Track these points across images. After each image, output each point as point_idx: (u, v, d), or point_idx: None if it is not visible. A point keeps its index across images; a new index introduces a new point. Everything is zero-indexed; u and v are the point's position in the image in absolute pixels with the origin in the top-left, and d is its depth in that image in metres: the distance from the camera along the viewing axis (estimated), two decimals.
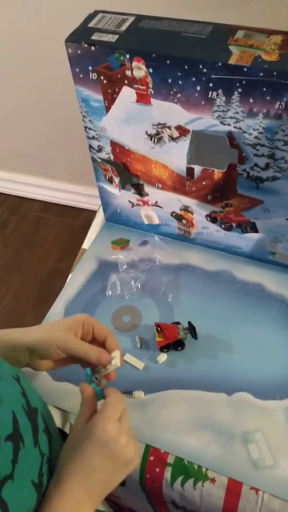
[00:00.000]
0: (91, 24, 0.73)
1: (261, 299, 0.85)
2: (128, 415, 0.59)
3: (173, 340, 0.79)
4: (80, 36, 0.71)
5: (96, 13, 0.76)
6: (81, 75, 0.75)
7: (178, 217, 0.89)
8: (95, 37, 0.71)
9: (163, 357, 0.79)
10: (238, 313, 0.84)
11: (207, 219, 0.86)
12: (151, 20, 0.73)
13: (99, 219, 1.00)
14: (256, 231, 0.84)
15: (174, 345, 0.80)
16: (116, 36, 0.71)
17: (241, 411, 0.72)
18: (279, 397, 0.73)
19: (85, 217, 1.93)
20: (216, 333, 0.81)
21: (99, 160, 0.87)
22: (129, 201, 0.91)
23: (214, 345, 0.80)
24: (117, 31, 0.71)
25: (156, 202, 0.88)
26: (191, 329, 0.80)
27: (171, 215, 0.90)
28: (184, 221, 0.89)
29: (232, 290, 0.87)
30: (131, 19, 0.74)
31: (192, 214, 0.87)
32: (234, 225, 0.85)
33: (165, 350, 0.80)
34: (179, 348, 0.80)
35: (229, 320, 0.83)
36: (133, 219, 0.95)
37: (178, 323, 0.81)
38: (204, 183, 0.81)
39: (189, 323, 0.81)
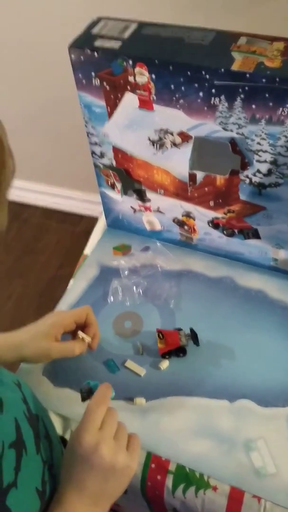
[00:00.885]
0: (94, 31, 0.74)
1: (263, 306, 0.85)
2: (117, 416, 0.58)
3: (175, 346, 0.79)
4: (83, 42, 0.72)
5: (99, 19, 0.76)
6: (84, 81, 0.75)
7: (180, 223, 0.89)
8: (98, 43, 0.71)
9: (164, 363, 0.79)
10: (240, 320, 0.83)
11: (209, 225, 0.86)
12: (153, 27, 0.73)
13: (101, 224, 1.00)
14: (258, 237, 0.84)
15: (176, 351, 0.79)
16: (119, 43, 0.71)
17: (243, 418, 0.72)
18: (281, 404, 0.72)
19: (86, 223, 1.93)
20: (218, 340, 0.81)
21: (101, 166, 0.87)
22: (131, 207, 0.91)
23: (216, 352, 0.80)
24: (120, 38, 0.72)
25: (158, 208, 0.88)
26: (193, 336, 0.80)
27: (173, 221, 0.89)
28: (186, 227, 0.89)
29: (234, 297, 0.86)
30: (134, 25, 0.74)
31: (194, 220, 0.87)
32: (236, 231, 0.85)
33: (166, 357, 0.79)
34: (181, 354, 0.79)
35: (231, 327, 0.82)
36: (135, 225, 0.95)
37: (180, 329, 0.81)
38: (206, 189, 0.80)
39: (191, 329, 0.80)
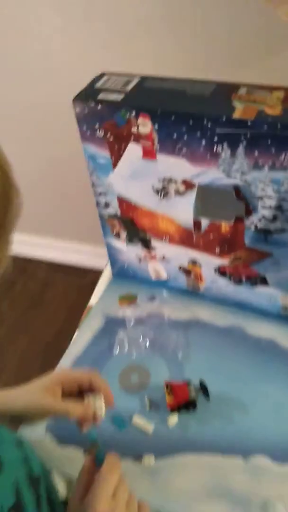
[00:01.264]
0: (98, 85, 0.75)
1: (274, 356, 0.82)
2: (128, 484, 0.56)
3: (184, 400, 0.76)
4: (87, 95, 0.73)
5: (102, 75, 0.78)
6: (88, 133, 0.76)
7: (186, 271, 0.88)
8: (101, 96, 0.73)
9: (173, 418, 0.75)
10: (251, 371, 0.80)
11: (215, 273, 0.85)
12: (155, 80, 0.75)
13: (106, 275, 0.99)
14: (266, 284, 0.82)
15: (185, 405, 0.76)
16: (122, 95, 0.72)
17: (259, 476, 0.67)
18: None
19: (93, 276, 1.91)
20: (229, 393, 0.78)
21: (106, 216, 0.87)
22: (137, 256, 0.90)
23: (227, 405, 0.76)
24: (122, 90, 0.73)
25: (164, 256, 0.87)
26: (203, 389, 0.76)
27: (179, 269, 0.88)
28: (192, 275, 0.88)
29: (244, 347, 0.84)
30: (136, 79, 0.76)
31: (200, 267, 0.85)
32: (243, 278, 0.83)
33: (176, 411, 0.76)
34: (191, 409, 0.76)
35: (242, 379, 0.79)
36: (140, 274, 0.94)
37: (189, 382, 0.78)
38: (211, 236, 0.80)
39: (201, 382, 0.77)
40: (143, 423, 0.75)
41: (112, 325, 0.89)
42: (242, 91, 0.70)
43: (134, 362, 0.84)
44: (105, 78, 0.77)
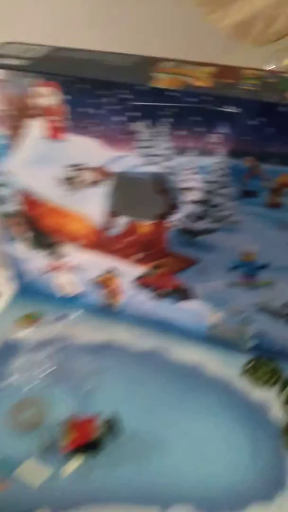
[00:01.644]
0: None
1: (200, 384, 0.69)
2: None
3: (88, 439, 0.61)
4: None
5: (6, 43, 0.66)
6: None
7: (101, 284, 0.74)
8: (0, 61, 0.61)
9: (74, 462, 0.60)
10: (173, 402, 0.67)
11: (135, 285, 0.72)
12: (69, 50, 0.64)
13: (5, 292, 0.83)
14: (192, 298, 0.70)
15: (89, 446, 0.61)
16: (26, 62, 0.60)
17: None
18: (228, 508, 0.54)
19: None
20: (145, 428, 0.63)
21: (3, 215, 0.72)
22: (42, 266, 0.76)
23: (142, 444, 0.62)
24: (28, 57, 0.61)
25: (74, 265, 0.74)
26: (113, 424, 0.62)
27: (93, 282, 0.75)
28: (108, 289, 0.74)
29: (165, 374, 0.70)
30: (47, 48, 0.64)
31: (117, 279, 0.73)
32: (166, 291, 0.71)
33: (78, 453, 0.60)
34: (97, 449, 0.61)
35: (162, 411, 0.66)
36: (46, 289, 0.79)
37: (95, 417, 0.63)
38: (129, 239, 0.68)
39: (111, 415, 0.62)
40: (35, 469, 0.59)
41: (6, 351, 0.73)
42: (169, 64, 0.61)
43: (30, 394, 0.68)
44: (9, 46, 0.65)
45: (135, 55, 0.62)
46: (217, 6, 0.98)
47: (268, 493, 0.58)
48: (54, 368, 0.70)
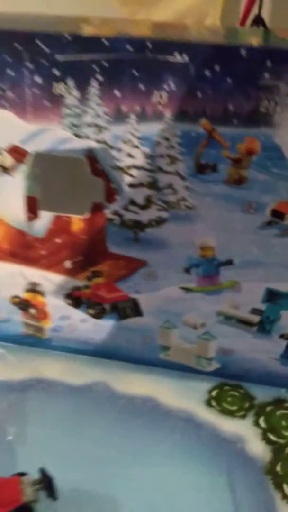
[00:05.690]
0: None
1: (156, 420, 0.55)
2: None
3: (14, 506, 0.44)
4: None
5: None
6: None
7: (23, 304, 0.59)
8: None
9: None
10: (123, 447, 0.52)
11: (66, 302, 0.58)
12: None
13: None
14: (139, 313, 0.57)
15: None
16: None
17: None
18: None
19: None
20: (88, 485, 0.48)
21: None
22: None
23: (86, 507, 0.46)
24: None
25: None
26: (46, 483, 0.46)
27: (13, 302, 0.59)
28: (32, 311, 0.59)
29: (111, 411, 0.55)
30: None
31: (44, 296, 0.58)
32: (107, 307, 0.57)
33: None
34: None
35: (108, 461, 0.50)
36: None
37: (23, 474, 0.47)
38: (58, 240, 0.54)
39: (43, 471, 0.46)
40: None
41: None
42: (95, 20, 0.50)
43: None
44: None
45: (49, 15, 0.51)
46: (140, 7, 0.91)
47: None
48: None
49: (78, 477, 0.48)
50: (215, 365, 0.59)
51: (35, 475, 0.46)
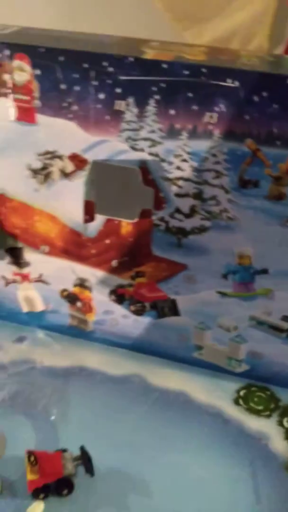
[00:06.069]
0: None
1: (187, 413, 0.59)
2: None
3: (55, 478, 0.49)
4: None
5: None
6: None
7: (71, 298, 0.64)
8: None
9: (37, 507, 0.48)
10: (155, 434, 0.56)
11: (110, 298, 0.63)
12: (42, 30, 0.57)
13: None
14: (176, 313, 0.61)
15: (56, 486, 0.49)
16: None
17: None
18: None
19: None
20: (122, 465, 0.52)
21: None
22: (2, 277, 0.66)
23: (120, 484, 0.51)
24: None
25: (41, 275, 0.64)
26: (85, 460, 0.51)
27: (62, 296, 0.65)
28: (79, 304, 0.64)
29: (145, 402, 0.60)
30: (18, 27, 0.57)
31: (91, 291, 0.63)
32: (147, 305, 0.62)
33: (41, 496, 0.49)
34: (65, 491, 0.49)
35: (142, 445, 0.55)
36: (7, 306, 0.68)
37: (64, 450, 0.52)
38: (107, 241, 0.59)
39: (82, 449, 0.51)
40: None
41: None
42: (154, 43, 0.54)
43: None
44: None
45: (113, 36, 0.56)
46: (191, 23, 0.95)
47: None
48: (13, 394, 0.59)
49: (113, 457, 0.53)
50: (244, 367, 0.62)
51: (75, 452, 0.51)
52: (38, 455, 0.50)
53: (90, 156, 0.54)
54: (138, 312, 0.62)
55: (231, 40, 0.98)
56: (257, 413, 0.59)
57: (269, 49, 0.99)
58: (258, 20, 0.98)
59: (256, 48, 0.97)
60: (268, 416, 0.59)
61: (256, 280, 0.56)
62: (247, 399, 0.61)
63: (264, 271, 0.55)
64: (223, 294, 0.58)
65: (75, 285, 0.63)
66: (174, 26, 0.97)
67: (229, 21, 0.96)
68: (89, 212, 0.56)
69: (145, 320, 0.63)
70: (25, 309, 0.67)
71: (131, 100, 0.50)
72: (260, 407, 0.60)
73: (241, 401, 0.60)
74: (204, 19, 0.96)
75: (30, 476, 0.49)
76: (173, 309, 0.61)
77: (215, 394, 0.61)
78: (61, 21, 0.79)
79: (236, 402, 0.60)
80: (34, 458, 0.50)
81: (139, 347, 0.65)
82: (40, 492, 0.49)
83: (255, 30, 0.97)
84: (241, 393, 0.61)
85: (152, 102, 0.50)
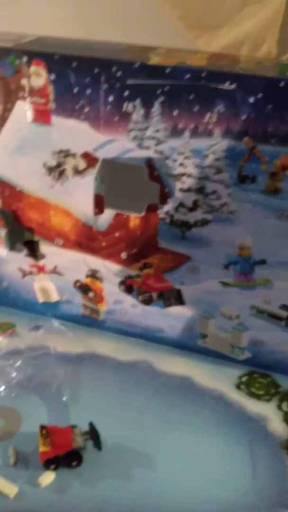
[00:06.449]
0: None
1: (191, 396, 0.62)
2: None
3: (65, 450, 0.53)
4: None
5: None
6: None
7: (84, 288, 0.69)
8: None
9: (48, 476, 0.52)
10: (161, 414, 0.60)
11: (120, 289, 0.67)
12: (57, 39, 0.62)
13: None
14: (182, 302, 0.65)
15: (66, 458, 0.53)
16: (13, 44, 0.58)
17: None
18: None
19: None
20: (129, 441, 0.56)
21: None
22: (19, 269, 0.70)
23: (125, 458, 0.54)
24: (15, 40, 0.59)
25: (55, 267, 0.68)
26: (93, 435, 0.55)
27: (75, 286, 0.69)
28: (91, 294, 0.69)
29: (152, 385, 0.64)
30: (34, 36, 0.62)
31: (102, 282, 0.67)
32: (154, 295, 0.65)
33: (52, 467, 0.53)
34: (74, 463, 0.53)
35: (148, 424, 0.58)
36: (24, 297, 0.73)
37: (74, 426, 0.56)
38: (117, 234, 0.63)
39: (91, 425, 0.55)
40: (1, 484, 0.51)
41: None
42: (161, 49, 0.59)
43: (0, 403, 0.60)
44: None
45: (123, 43, 0.61)
46: (203, 31, 0.99)
47: None
48: (28, 377, 0.63)
49: (120, 434, 0.57)
50: (246, 354, 0.66)
51: (84, 427, 0.55)
52: (49, 429, 0.54)
53: (100, 154, 0.58)
54: (146, 302, 0.66)
55: (240, 47, 1.01)
56: (257, 397, 0.62)
57: (278, 55, 1.02)
58: (267, 27, 1.01)
59: (265, 54, 1.00)
60: (268, 400, 0.62)
61: (255, 271, 0.59)
62: (248, 384, 0.64)
63: (263, 262, 0.58)
64: (225, 284, 0.62)
65: (87, 276, 0.67)
66: (186, 34, 1.01)
67: (239, 29, 1.00)
68: (99, 205, 0.60)
69: (152, 310, 0.67)
70: (41, 299, 0.72)
71: (137, 102, 0.54)
72: (261, 392, 0.63)
73: (242, 386, 0.64)
74: (215, 27, 1.00)
75: (42, 448, 0.53)
76: (179, 299, 0.65)
77: (218, 379, 0.65)
78: (77, 31, 0.84)
79: (238, 387, 0.64)
80: (46, 431, 0.54)
81: (147, 335, 0.69)
82: (51, 463, 0.53)
83: (264, 37, 1.00)
84: (243, 379, 0.65)
85: (157, 103, 0.54)
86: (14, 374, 0.63)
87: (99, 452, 0.54)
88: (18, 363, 0.64)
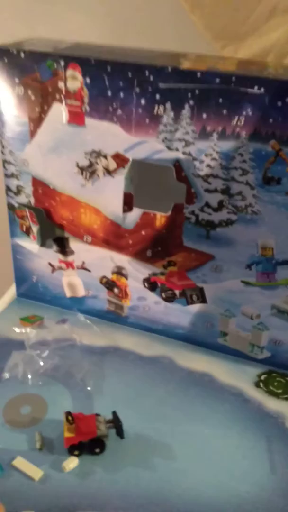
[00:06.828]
0: (24, 42, 0.64)
1: (211, 391, 0.64)
2: None
3: (89, 437, 0.55)
4: (7, 47, 0.61)
5: (31, 39, 0.68)
6: (4, 90, 0.63)
7: (109, 284, 0.71)
8: (26, 46, 0.61)
9: (72, 462, 0.54)
10: (180, 408, 0.62)
11: (144, 285, 0.69)
12: (92, 45, 0.65)
13: (9, 295, 0.80)
14: (204, 300, 0.67)
15: (90, 445, 0.55)
16: (51, 49, 0.61)
17: None
18: None
19: None
20: (150, 432, 0.58)
21: (16, 206, 0.70)
22: (49, 264, 0.73)
23: (146, 448, 0.56)
24: (52, 46, 0.62)
25: (83, 263, 0.71)
26: (116, 424, 0.57)
27: (101, 282, 0.71)
28: (116, 290, 0.71)
29: (173, 379, 0.66)
30: (71, 42, 0.65)
31: (127, 278, 0.69)
32: (177, 293, 0.68)
33: (76, 452, 0.55)
34: (97, 450, 0.55)
35: (168, 416, 0.60)
36: (52, 292, 0.76)
37: (98, 415, 0.58)
38: (143, 232, 0.65)
39: (114, 414, 0.57)
40: (27, 467, 0.53)
41: (6, 347, 0.69)
42: (191, 55, 0.61)
43: (28, 390, 0.63)
44: (33, 39, 0.67)
45: (155, 50, 0.63)
46: (229, 42, 1.01)
47: (286, 510, 0.51)
48: (55, 367, 0.66)
49: (142, 425, 0.59)
50: (266, 354, 0.67)
51: (108, 416, 0.57)
52: (75, 416, 0.57)
53: (130, 155, 0.61)
54: (169, 299, 0.68)
55: (266, 57, 1.03)
56: (276, 395, 0.64)
57: None
58: None
59: None
60: (287, 398, 0.63)
61: (277, 271, 0.61)
62: (267, 383, 0.65)
63: (286, 262, 0.60)
64: (247, 284, 0.63)
65: (113, 273, 0.70)
66: (213, 44, 1.03)
67: (265, 39, 1.02)
68: (128, 203, 0.63)
69: (174, 307, 0.69)
70: (68, 294, 0.75)
71: (168, 105, 0.57)
72: (280, 391, 0.64)
73: (261, 384, 0.65)
74: (241, 37, 1.02)
75: (67, 434, 0.55)
76: (201, 297, 0.67)
77: (238, 377, 0.66)
78: (110, 39, 0.87)
79: (257, 385, 0.65)
80: (71, 417, 0.56)
81: (169, 332, 0.71)
82: (75, 449, 0.55)
83: None
84: (262, 377, 0.66)
85: (186, 107, 0.56)
86: (41, 364, 0.66)
87: (121, 441, 0.57)
88: (46, 353, 0.67)
